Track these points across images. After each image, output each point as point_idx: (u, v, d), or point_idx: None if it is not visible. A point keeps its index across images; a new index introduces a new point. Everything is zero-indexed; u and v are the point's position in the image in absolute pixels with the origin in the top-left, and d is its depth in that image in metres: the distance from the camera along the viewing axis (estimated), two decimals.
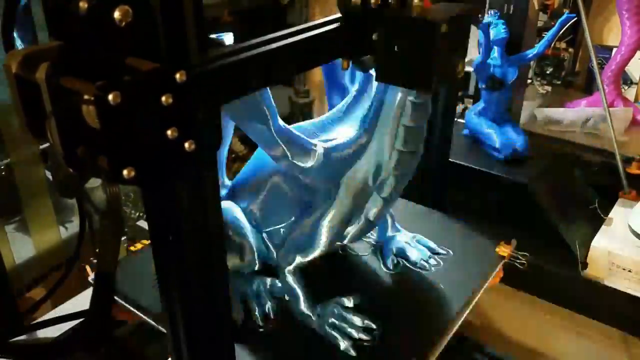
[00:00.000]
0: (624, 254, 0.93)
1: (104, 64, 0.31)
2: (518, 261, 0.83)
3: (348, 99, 0.70)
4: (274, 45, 0.39)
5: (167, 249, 0.41)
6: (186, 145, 0.33)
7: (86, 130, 0.30)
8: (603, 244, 0.96)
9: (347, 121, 0.70)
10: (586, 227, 1.02)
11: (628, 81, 1.42)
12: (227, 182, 0.82)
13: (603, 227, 1.00)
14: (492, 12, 1.06)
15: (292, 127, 0.65)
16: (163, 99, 0.31)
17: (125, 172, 0.30)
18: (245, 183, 0.76)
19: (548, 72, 1.38)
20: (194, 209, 0.38)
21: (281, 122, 0.62)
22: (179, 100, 0.32)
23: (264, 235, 0.74)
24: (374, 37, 0.49)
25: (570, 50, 1.39)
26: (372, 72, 0.59)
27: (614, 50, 1.29)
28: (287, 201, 0.71)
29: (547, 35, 1.05)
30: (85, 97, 0.28)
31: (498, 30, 1.04)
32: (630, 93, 1.41)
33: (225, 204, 0.75)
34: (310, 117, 1.45)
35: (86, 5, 0.30)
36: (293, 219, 0.71)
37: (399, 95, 0.62)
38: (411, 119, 0.63)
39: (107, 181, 0.31)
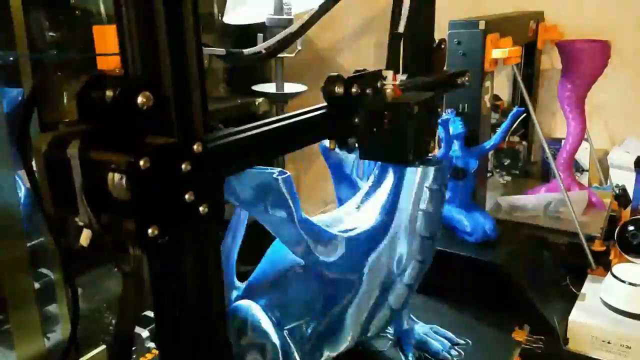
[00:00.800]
0: (601, 326, 0.97)
1: (127, 142, 0.36)
2: (535, 345, 0.87)
3: (362, 192, 0.73)
4: (270, 127, 0.45)
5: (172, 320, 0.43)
6: (201, 209, 0.38)
7: (112, 198, 0.34)
8: (580, 319, 0.99)
9: (364, 212, 0.71)
10: (562, 304, 1.06)
11: (580, 169, 1.54)
12: (238, 284, 0.80)
13: (577, 302, 1.04)
14: (448, 110, 1.16)
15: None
16: (183, 166, 0.36)
17: (150, 230, 0.34)
18: (262, 279, 0.74)
19: (506, 163, 1.48)
20: (199, 273, 0.41)
21: (303, 214, 0.61)
22: (196, 168, 0.37)
23: (285, 332, 0.71)
24: (356, 120, 0.55)
25: (524, 142, 1.51)
26: (389, 166, 0.66)
27: (563, 141, 1.41)
28: (308, 295, 0.69)
29: (502, 127, 1.15)
30: (118, 165, 0.33)
31: (456, 126, 1.13)
32: (584, 179, 1.52)
33: (243, 303, 0.72)
34: None
35: (112, 94, 0.35)
36: (313, 311, 0.70)
37: (416, 183, 0.66)
38: (429, 204, 0.66)
39: (132, 245, 0.34)
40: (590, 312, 1.01)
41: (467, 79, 0.84)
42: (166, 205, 0.36)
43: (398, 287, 0.70)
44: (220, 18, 1.53)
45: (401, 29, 0.63)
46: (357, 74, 0.55)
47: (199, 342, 0.43)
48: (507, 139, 1.41)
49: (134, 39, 0.36)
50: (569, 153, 1.37)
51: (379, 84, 0.56)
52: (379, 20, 1.32)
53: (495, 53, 1.08)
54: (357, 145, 0.57)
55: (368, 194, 0.72)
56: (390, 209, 0.68)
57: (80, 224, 0.36)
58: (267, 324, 0.69)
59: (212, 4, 1.54)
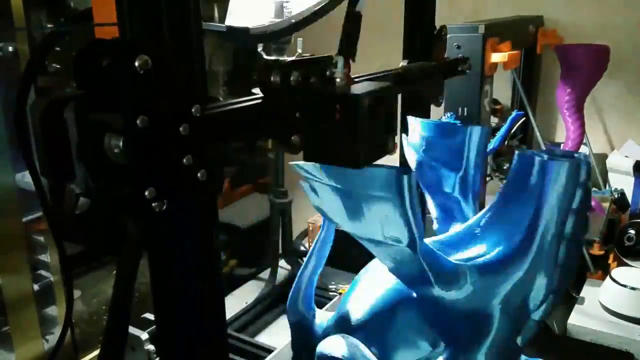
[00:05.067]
0: (600, 330, 0.97)
1: (124, 104, 0.35)
2: None
3: (486, 214, 0.62)
4: None
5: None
6: (199, 174, 0.38)
7: (109, 162, 0.34)
8: (579, 322, 0.99)
9: (488, 237, 0.61)
10: (561, 307, 1.06)
11: None
12: (321, 313, 0.74)
13: (576, 305, 1.04)
14: (448, 114, 1.16)
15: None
16: (181, 129, 0.36)
17: (147, 192, 0.34)
18: (359, 310, 0.66)
19: (505, 167, 1.48)
20: (196, 244, 0.41)
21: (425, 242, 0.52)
22: (194, 132, 0.36)
23: None
24: (297, 115, 0.46)
25: (523, 146, 1.51)
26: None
27: (562, 145, 1.41)
28: (422, 333, 0.61)
29: (501, 131, 1.15)
30: (115, 125, 0.33)
31: None
32: None
33: (344, 341, 0.64)
34: (290, 218, 1.50)
35: (109, 58, 0.35)
36: (429, 351, 0.61)
37: (558, 207, 0.54)
38: (573, 231, 0.55)
39: (130, 210, 0.34)
40: (589, 316, 1.01)
41: (467, 66, 0.82)
42: (164, 167, 0.35)
43: (530, 325, 0.59)
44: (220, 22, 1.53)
45: (361, 7, 0.51)
46: (299, 58, 0.47)
47: (198, 328, 0.43)
48: (506, 142, 1.41)
49: (133, 3, 0.35)
50: None
51: (327, 72, 0.47)
52: (382, 24, 1.33)
53: (495, 57, 1.08)
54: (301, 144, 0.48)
55: (493, 216, 0.61)
56: (528, 234, 0.56)
57: (77, 191, 0.36)
58: None
59: (213, 7, 1.54)
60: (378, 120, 0.47)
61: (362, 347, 0.63)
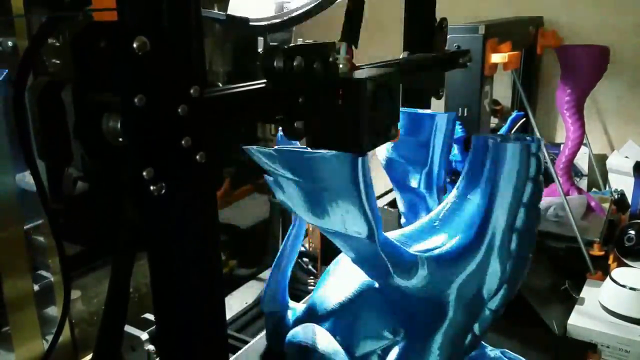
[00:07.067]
0: (600, 331, 0.97)
1: (123, 85, 0.35)
2: None
3: (444, 207, 0.65)
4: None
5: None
6: (198, 157, 0.38)
7: (107, 144, 0.34)
8: (579, 323, 0.99)
9: (446, 229, 0.64)
10: (561, 308, 1.06)
11: (579, 173, 1.54)
12: (293, 304, 0.77)
13: (576, 306, 1.04)
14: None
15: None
16: (179, 109, 0.36)
17: (145, 173, 0.34)
18: (327, 301, 0.68)
19: None
20: (193, 219, 0.40)
21: (383, 233, 0.54)
22: (193, 113, 0.36)
23: None
24: (300, 100, 0.46)
25: None
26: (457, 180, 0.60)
27: (562, 146, 1.41)
28: (383, 321, 0.63)
29: (501, 131, 1.15)
30: (113, 104, 0.33)
31: (456, 130, 1.14)
32: (583, 184, 1.52)
33: (307, 327, 0.68)
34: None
35: (107, 40, 0.35)
36: (390, 338, 0.63)
37: (510, 199, 0.57)
38: (524, 223, 0.58)
39: (130, 190, 0.34)
40: (589, 316, 1.01)
41: (468, 59, 0.82)
42: (162, 147, 0.35)
43: (486, 314, 0.61)
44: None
45: None
46: (302, 43, 0.47)
47: (198, 328, 0.43)
48: None
49: None
50: (568, 158, 1.38)
51: (330, 58, 0.47)
52: (385, 24, 1.33)
53: (495, 58, 1.08)
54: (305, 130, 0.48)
55: (450, 209, 0.64)
56: (481, 226, 0.59)
57: (75, 175, 0.36)
58: (337, 351, 0.64)
59: (213, 7, 1.54)
60: (381, 106, 0.47)
61: (326, 335, 0.66)
